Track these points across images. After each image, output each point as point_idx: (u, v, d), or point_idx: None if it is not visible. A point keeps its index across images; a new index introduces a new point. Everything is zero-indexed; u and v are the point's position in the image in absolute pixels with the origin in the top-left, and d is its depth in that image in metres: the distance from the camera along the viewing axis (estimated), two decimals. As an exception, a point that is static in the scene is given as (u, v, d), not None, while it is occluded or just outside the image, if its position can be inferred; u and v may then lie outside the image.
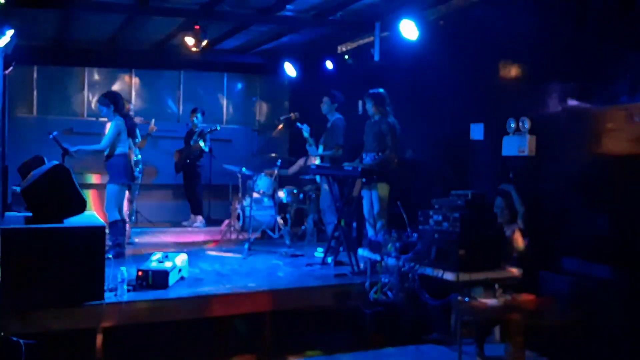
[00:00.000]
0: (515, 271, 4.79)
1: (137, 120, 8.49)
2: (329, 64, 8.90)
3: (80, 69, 10.04)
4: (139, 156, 8.00)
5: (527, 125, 5.53)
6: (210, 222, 9.68)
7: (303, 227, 8.51)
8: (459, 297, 4.40)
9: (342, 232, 6.49)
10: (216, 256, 7.00)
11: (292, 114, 7.88)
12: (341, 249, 6.66)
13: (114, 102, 6.67)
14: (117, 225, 6.47)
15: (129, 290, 4.91)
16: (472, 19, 6.42)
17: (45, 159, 6.08)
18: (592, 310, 4.49)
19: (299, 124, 7.60)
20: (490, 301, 4.36)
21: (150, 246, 7.24)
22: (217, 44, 9.24)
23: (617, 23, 4.87)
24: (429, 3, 6.85)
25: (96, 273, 4.66)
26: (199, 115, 9.46)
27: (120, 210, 6.71)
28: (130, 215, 7.74)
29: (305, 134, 7.57)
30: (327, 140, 7.50)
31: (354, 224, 6.86)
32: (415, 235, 5.19)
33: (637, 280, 4.53)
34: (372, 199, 6.38)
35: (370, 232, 6.51)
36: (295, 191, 8.06)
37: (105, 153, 6.62)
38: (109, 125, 6.83)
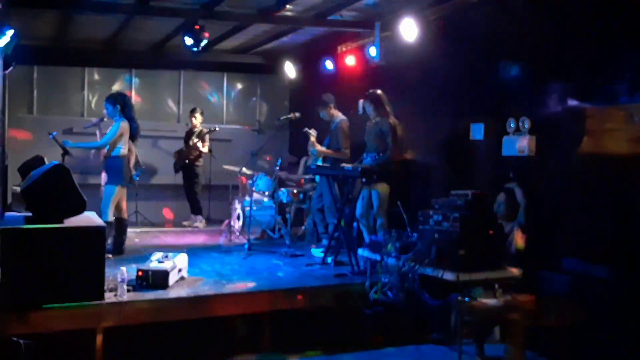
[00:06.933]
0: (515, 271, 4.80)
1: None
2: (329, 64, 8.90)
3: (80, 69, 10.04)
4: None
5: (527, 125, 5.53)
6: (210, 222, 9.69)
7: (303, 227, 8.51)
8: (459, 297, 4.39)
9: (342, 232, 6.49)
10: (216, 256, 7.00)
11: (292, 114, 7.86)
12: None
13: (120, 102, 6.66)
14: (111, 226, 6.50)
15: (129, 290, 4.91)
16: (472, 19, 6.41)
17: (45, 159, 6.09)
18: (592, 310, 4.49)
19: (306, 129, 7.55)
20: (490, 301, 4.35)
21: (150, 246, 7.24)
22: (217, 44, 9.24)
23: (617, 23, 4.87)
24: (429, 3, 6.85)
25: (96, 273, 4.66)
26: (197, 115, 9.45)
27: (121, 211, 6.72)
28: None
29: (312, 139, 7.54)
30: (331, 143, 7.44)
31: (354, 224, 6.86)
32: (415, 235, 5.20)
33: (637, 280, 4.53)
34: (371, 199, 6.39)
35: (364, 233, 6.51)
36: (295, 191, 8.06)
37: (104, 152, 6.62)
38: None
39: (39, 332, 4.40)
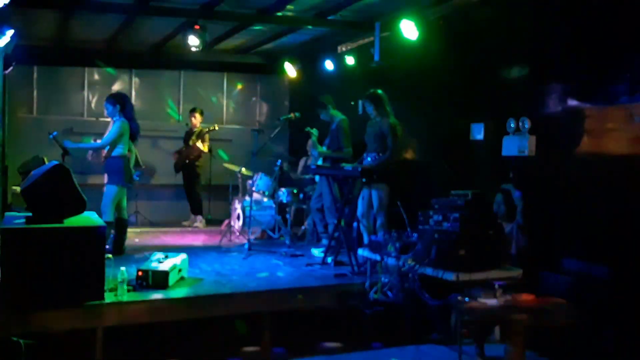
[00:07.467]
0: (515, 271, 4.79)
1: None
2: (329, 64, 8.90)
3: (80, 69, 10.03)
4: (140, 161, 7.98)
5: (527, 125, 5.53)
6: (210, 222, 9.68)
7: (303, 227, 8.51)
8: (459, 297, 4.40)
9: (342, 232, 6.48)
10: (216, 256, 7.00)
11: (292, 114, 7.86)
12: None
13: (121, 102, 6.65)
14: (112, 226, 6.49)
15: (129, 290, 4.91)
16: (472, 19, 6.42)
17: (45, 159, 6.09)
18: (592, 310, 4.49)
19: (308, 129, 7.55)
20: (490, 301, 4.35)
21: (150, 246, 7.24)
22: (217, 44, 9.24)
23: (617, 23, 4.87)
24: (429, 3, 6.85)
25: (96, 273, 4.66)
26: (197, 115, 9.45)
27: (121, 210, 6.71)
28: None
29: (314, 138, 7.53)
30: (331, 143, 7.44)
31: (354, 224, 6.86)
32: (415, 235, 5.20)
33: (637, 280, 4.53)
34: (371, 199, 6.38)
35: (364, 233, 6.50)
36: (295, 191, 8.06)
37: (104, 152, 6.62)
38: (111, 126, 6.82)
39: (39, 332, 4.39)
